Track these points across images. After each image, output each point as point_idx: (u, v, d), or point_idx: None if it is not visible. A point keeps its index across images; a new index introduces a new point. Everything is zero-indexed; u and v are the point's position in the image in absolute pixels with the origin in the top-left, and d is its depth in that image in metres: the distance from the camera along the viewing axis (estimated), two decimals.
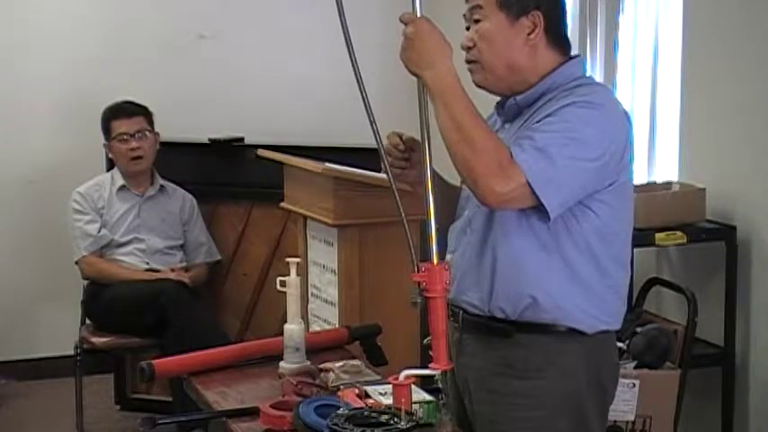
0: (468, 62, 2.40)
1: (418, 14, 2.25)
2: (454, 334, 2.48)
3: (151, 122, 4.84)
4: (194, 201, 4.98)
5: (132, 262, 4.75)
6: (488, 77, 2.40)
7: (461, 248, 2.45)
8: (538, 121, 2.29)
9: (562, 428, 2.37)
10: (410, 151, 2.47)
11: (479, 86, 2.41)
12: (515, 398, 2.37)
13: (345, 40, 2.25)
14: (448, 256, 2.50)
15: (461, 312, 2.44)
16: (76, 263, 4.75)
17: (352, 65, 2.26)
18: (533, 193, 2.21)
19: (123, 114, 4.81)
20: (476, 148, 2.19)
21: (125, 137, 4.76)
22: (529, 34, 2.36)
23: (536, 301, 2.32)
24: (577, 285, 2.33)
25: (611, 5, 4.70)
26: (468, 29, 2.42)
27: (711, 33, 4.09)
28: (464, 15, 2.43)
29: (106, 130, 4.82)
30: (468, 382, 2.47)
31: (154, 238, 4.81)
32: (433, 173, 2.30)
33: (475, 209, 2.42)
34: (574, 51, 2.47)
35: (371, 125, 2.28)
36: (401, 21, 2.25)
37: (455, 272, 2.43)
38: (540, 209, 2.25)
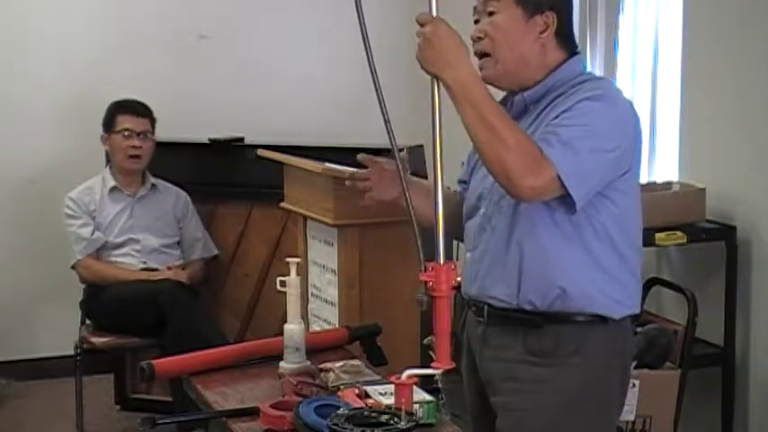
0: (479, 55, 2.43)
1: (434, 15, 2.26)
2: (478, 328, 2.52)
3: (154, 127, 4.84)
4: (188, 197, 4.97)
5: (129, 262, 4.75)
6: (499, 71, 2.43)
7: (482, 246, 2.48)
8: (555, 118, 2.33)
9: (587, 413, 2.42)
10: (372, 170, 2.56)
11: (487, 82, 2.43)
12: (541, 385, 2.41)
13: (363, 40, 2.26)
14: (467, 255, 2.53)
15: (486, 306, 2.47)
16: (73, 267, 4.75)
17: (369, 65, 2.26)
18: (562, 185, 2.26)
19: (132, 111, 4.81)
20: (508, 146, 2.22)
21: (129, 133, 4.76)
22: (541, 33, 2.42)
23: (565, 292, 2.38)
24: (600, 272, 2.39)
25: (611, 5, 4.71)
26: (476, 21, 2.45)
27: (711, 33, 4.09)
28: (475, 8, 2.46)
29: (109, 122, 4.81)
30: (492, 375, 2.50)
31: (149, 237, 4.80)
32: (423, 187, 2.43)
33: (493, 207, 2.46)
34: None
35: (386, 124, 2.30)
36: (417, 21, 2.27)
37: (477, 269, 2.48)
38: (564, 201, 2.30)
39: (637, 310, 2.50)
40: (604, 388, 2.45)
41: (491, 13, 2.42)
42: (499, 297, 2.44)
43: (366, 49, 2.27)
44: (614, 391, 2.48)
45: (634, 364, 3.66)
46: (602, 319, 2.41)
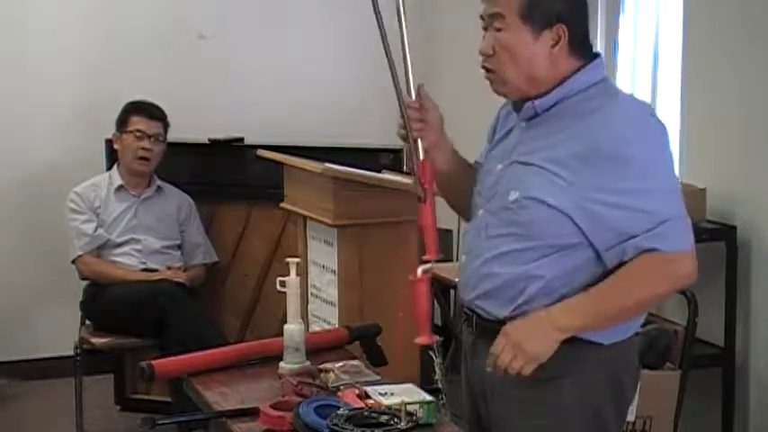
0: (486, 70, 2.36)
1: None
2: (468, 338, 2.48)
3: (166, 132, 4.84)
4: (192, 201, 4.98)
5: (129, 263, 4.74)
6: (509, 89, 2.37)
7: (476, 252, 2.42)
8: (600, 187, 2.25)
9: None
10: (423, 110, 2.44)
11: (497, 93, 2.40)
12: (532, 406, 2.35)
13: (381, 35, 2.33)
14: (462, 257, 2.50)
15: (475, 317, 2.43)
16: (73, 262, 4.75)
17: (387, 57, 2.33)
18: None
19: (147, 113, 4.81)
20: (653, 295, 2.32)
21: (141, 134, 4.76)
22: (552, 47, 2.32)
23: None
24: None
25: (611, 5, 4.71)
26: (485, 28, 2.37)
27: (711, 33, 4.09)
28: (481, 16, 2.37)
29: (123, 121, 4.80)
30: (483, 385, 2.46)
31: (150, 239, 4.80)
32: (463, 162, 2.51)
33: (490, 213, 2.38)
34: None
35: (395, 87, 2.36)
36: (491, 353, 2.31)
37: (470, 276, 2.42)
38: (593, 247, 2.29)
39: (632, 333, 2.41)
40: (599, 408, 2.36)
41: (498, 29, 2.32)
42: (487, 309, 2.38)
43: (385, 49, 2.30)
44: (608, 415, 2.38)
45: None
46: (593, 344, 2.32)
